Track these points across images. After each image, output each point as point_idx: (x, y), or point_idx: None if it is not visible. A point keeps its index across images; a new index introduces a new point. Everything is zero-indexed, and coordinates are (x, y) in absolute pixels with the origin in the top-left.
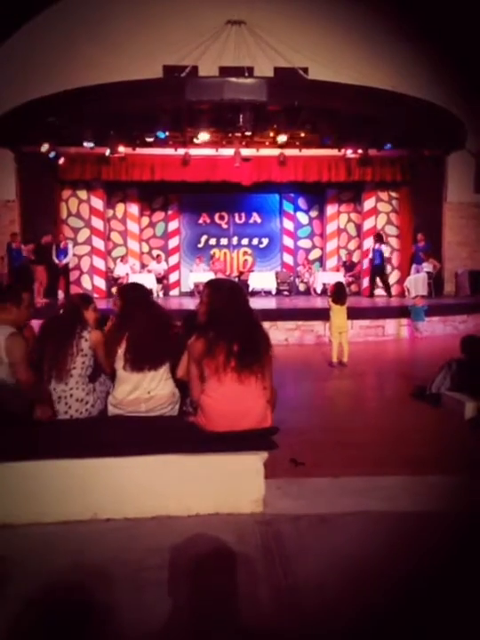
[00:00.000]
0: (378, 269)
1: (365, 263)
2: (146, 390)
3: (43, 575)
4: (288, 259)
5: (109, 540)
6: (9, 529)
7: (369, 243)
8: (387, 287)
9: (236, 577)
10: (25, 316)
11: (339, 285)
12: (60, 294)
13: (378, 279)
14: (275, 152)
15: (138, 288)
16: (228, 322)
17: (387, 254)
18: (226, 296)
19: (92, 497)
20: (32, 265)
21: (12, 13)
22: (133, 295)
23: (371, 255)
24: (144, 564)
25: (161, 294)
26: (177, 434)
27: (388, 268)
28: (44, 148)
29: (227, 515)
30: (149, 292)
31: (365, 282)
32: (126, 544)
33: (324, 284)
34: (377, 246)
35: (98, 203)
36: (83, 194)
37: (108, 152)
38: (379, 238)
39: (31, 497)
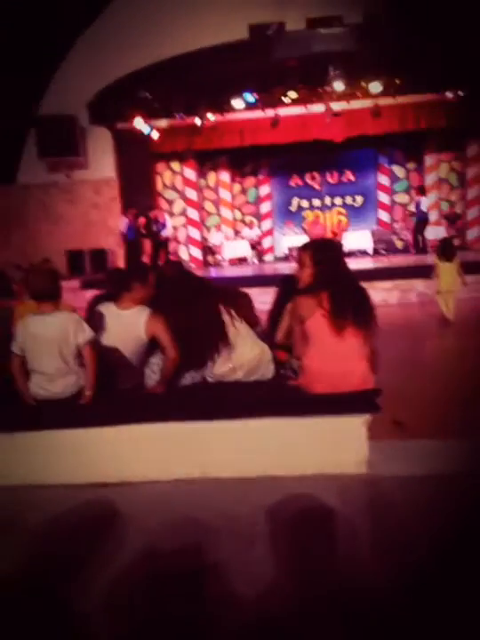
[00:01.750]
0: (420, 224)
1: (471, 214)
2: (237, 358)
3: (156, 530)
4: (384, 216)
5: (218, 497)
6: (126, 486)
7: (474, 193)
8: (416, 244)
9: (340, 535)
10: (150, 294)
11: (446, 241)
12: None
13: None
14: (368, 103)
15: (173, 285)
16: (337, 282)
17: (424, 208)
18: (333, 256)
19: (200, 457)
20: (141, 239)
21: None
22: (166, 296)
23: (412, 208)
24: (252, 521)
25: (255, 260)
26: (280, 397)
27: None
28: (138, 122)
29: (331, 476)
30: (189, 280)
31: (470, 234)
32: (234, 502)
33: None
34: (417, 199)
35: (190, 173)
36: (176, 166)
37: (197, 121)
38: (419, 190)
39: (145, 457)
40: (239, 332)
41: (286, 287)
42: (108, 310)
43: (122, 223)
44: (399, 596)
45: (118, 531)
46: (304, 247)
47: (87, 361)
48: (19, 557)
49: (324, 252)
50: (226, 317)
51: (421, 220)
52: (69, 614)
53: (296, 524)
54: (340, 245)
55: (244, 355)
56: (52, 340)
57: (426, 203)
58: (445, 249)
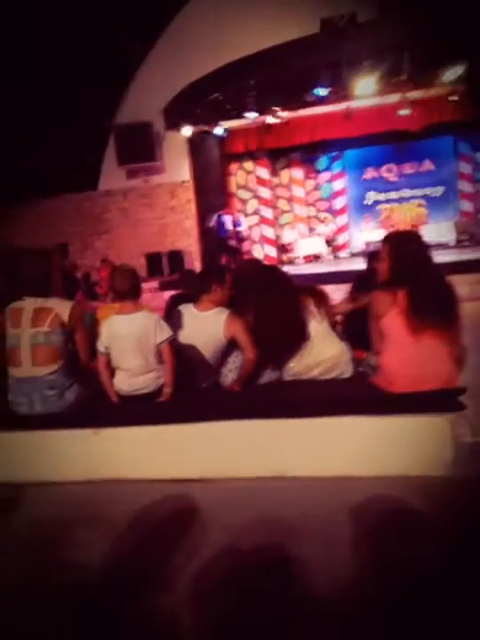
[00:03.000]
0: None
1: None
2: (314, 355)
3: (237, 527)
4: (467, 206)
5: (297, 497)
6: (207, 483)
7: None
8: None
9: (423, 539)
10: (228, 295)
11: None
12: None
13: None
14: (446, 90)
15: (250, 274)
16: (417, 278)
17: None
18: (412, 249)
19: (279, 455)
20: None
21: (163, 6)
22: (250, 289)
23: None
24: (331, 521)
25: (331, 257)
26: (359, 395)
27: None
28: (211, 126)
29: (414, 477)
30: (270, 276)
31: None
32: (313, 501)
33: None
34: None
35: (263, 172)
36: (249, 165)
37: (269, 119)
38: None
39: (225, 454)
40: (320, 329)
41: (361, 283)
42: (188, 311)
43: (229, 222)
44: None
45: (199, 527)
46: (384, 239)
47: (166, 359)
48: (103, 550)
49: (403, 245)
50: (307, 314)
51: None
52: (152, 606)
53: (377, 525)
54: (421, 238)
55: (322, 353)
56: (133, 338)
57: None
58: None
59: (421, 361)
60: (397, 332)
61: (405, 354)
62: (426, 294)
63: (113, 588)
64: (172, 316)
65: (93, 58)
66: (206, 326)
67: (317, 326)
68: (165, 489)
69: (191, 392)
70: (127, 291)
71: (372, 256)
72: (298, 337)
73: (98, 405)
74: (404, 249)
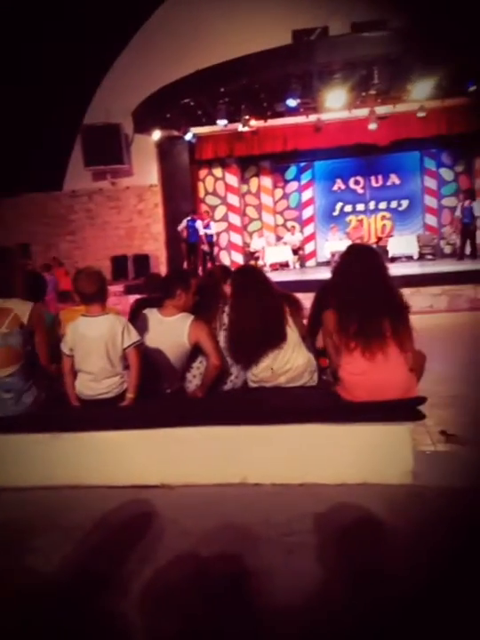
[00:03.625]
0: (467, 229)
1: None
2: (282, 363)
3: (196, 534)
4: (431, 220)
5: (258, 504)
6: (166, 489)
7: None
8: (473, 250)
9: (385, 547)
10: (192, 301)
11: None
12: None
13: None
14: (414, 106)
15: (244, 277)
16: (358, 289)
17: (477, 213)
18: (355, 261)
19: (241, 462)
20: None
21: (137, 7)
22: (212, 291)
23: (457, 213)
24: (292, 529)
25: (297, 266)
26: (322, 403)
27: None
28: (181, 131)
29: (375, 485)
30: (256, 275)
31: None
32: (274, 508)
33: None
34: (467, 204)
35: (232, 179)
36: (218, 172)
37: (240, 127)
38: (469, 194)
39: (186, 460)
40: (292, 337)
41: (323, 294)
42: (152, 316)
43: (201, 227)
44: (442, 610)
45: (159, 533)
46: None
47: (132, 364)
48: (60, 556)
49: (349, 257)
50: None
51: (466, 226)
52: (107, 613)
53: (337, 533)
54: (368, 249)
55: (290, 361)
56: (99, 341)
57: (478, 208)
58: None
59: (374, 373)
60: (347, 348)
61: (357, 367)
62: (373, 307)
63: (69, 595)
64: (136, 321)
65: (62, 57)
66: (170, 331)
67: (290, 334)
68: (126, 495)
69: (154, 397)
70: (94, 293)
71: None
72: (276, 335)
73: (58, 409)
74: (350, 260)
